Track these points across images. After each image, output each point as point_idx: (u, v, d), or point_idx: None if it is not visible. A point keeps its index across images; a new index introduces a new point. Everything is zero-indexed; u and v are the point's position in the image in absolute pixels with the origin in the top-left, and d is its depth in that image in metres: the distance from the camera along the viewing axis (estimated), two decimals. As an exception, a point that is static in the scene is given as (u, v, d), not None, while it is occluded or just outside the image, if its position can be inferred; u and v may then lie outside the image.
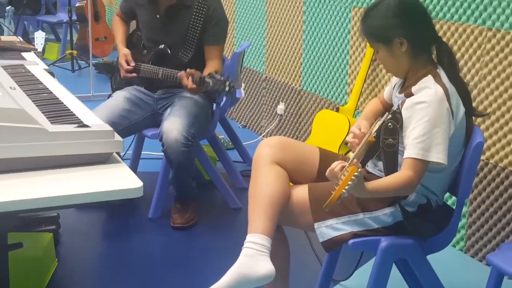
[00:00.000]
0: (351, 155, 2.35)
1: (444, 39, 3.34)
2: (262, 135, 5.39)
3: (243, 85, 4.98)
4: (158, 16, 3.77)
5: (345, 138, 3.81)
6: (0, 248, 2.14)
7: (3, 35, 5.35)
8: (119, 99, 3.74)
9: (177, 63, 3.70)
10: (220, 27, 3.78)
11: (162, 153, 3.55)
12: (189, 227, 3.66)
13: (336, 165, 2.20)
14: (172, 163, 3.50)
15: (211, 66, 3.65)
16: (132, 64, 3.77)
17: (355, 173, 2.07)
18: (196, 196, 3.81)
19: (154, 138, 3.73)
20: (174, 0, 3.71)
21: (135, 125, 3.74)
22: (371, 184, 2.25)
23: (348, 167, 2.12)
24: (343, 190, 2.07)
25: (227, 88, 3.33)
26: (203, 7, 3.69)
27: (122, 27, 4.03)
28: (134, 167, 4.18)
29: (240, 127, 5.74)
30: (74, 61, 7.66)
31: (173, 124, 3.46)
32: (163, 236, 3.69)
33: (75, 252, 3.43)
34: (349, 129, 3.91)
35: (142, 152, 4.30)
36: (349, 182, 2.07)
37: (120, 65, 3.81)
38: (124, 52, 3.83)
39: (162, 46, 3.76)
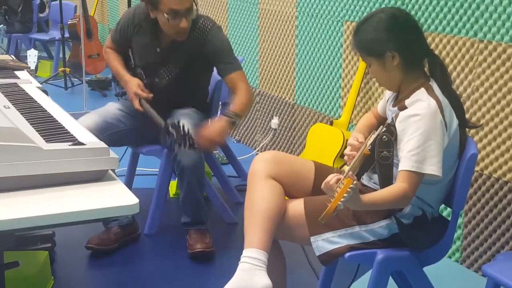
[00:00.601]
0: (346, 168, 2.36)
1: (436, 52, 3.37)
2: (257, 149, 5.39)
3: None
4: (158, 50, 3.66)
5: (339, 152, 3.82)
6: (-4, 267, 2.13)
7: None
8: (115, 105, 3.73)
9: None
10: (231, 55, 3.67)
11: (156, 169, 3.52)
12: (210, 253, 3.54)
13: (331, 178, 2.21)
14: (184, 173, 3.42)
15: (240, 96, 3.53)
16: (150, 94, 3.60)
17: (351, 185, 2.08)
18: (207, 221, 3.68)
19: (150, 154, 3.72)
20: (184, 36, 3.57)
21: (130, 132, 3.66)
22: (367, 197, 2.26)
23: (343, 179, 2.12)
24: (339, 203, 2.08)
25: (185, 146, 3.10)
26: (202, 39, 3.59)
27: (118, 57, 3.84)
28: (129, 184, 4.17)
29: (235, 142, 5.75)
30: (67, 78, 7.66)
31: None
32: (159, 252, 3.68)
33: (71, 270, 3.42)
34: (343, 142, 3.92)
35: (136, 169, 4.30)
36: (345, 194, 2.08)
37: (136, 95, 3.58)
38: (137, 81, 3.64)
39: (157, 79, 3.68)
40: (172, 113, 3.66)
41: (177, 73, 3.67)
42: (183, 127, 3.10)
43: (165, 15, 3.43)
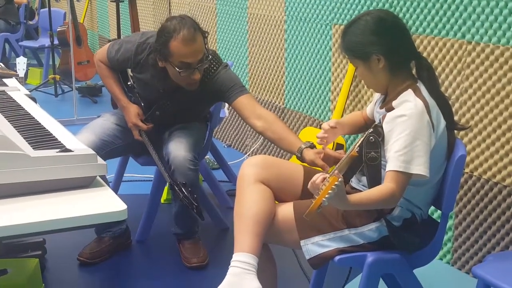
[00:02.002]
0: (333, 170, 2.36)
1: (425, 54, 3.38)
2: (247, 154, 5.39)
3: (226, 105, 4.98)
4: (161, 90, 3.49)
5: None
6: (-15, 275, 2.12)
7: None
8: (111, 118, 3.60)
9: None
10: (238, 81, 3.44)
11: (144, 175, 3.47)
12: (206, 266, 3.51)
13: (317, 177, 2.21)
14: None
15: (263, 120, 3.26)
16: (150, 125, 3.52)
17: (336, 183, 2.09)
18: (198, 231, 3.65)
19: (146, 165, 3.69)
20: (195, 87, 3.37)
21: (127, 146, 3.59)
22: (354, 197, 2.26)
23: (329, 177, 2.13)
24: (323, 199, 2.08)
25: (192, 210, 3.09)
26: (210, 81, 3.42)
27: (114, 76, 3.65)
28: (115, 190, 4.14)
29: (225, 146, 5.75)
30: (57, 85, 7.65)
31: (179, 144, 3.37)
32: (151, 259, 3.67)
33: (62, 277, 3.40)
34: (333, 146, 3.93)
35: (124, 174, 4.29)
36: (329, 191, 2.08)
37: (135, 125, 3.49)
38: (136, 111, 3.52)
39: (157, 113, 3.55)
40: (172, 128, 3.57)
41: (181, 108, 3.55)
42: (189, 191, 3.07)
43: (176, 67, 3.25)
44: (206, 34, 3.31)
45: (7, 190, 1.90)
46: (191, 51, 3.22)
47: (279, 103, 5.00)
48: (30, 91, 3.46)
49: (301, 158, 2.93)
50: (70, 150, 2.05)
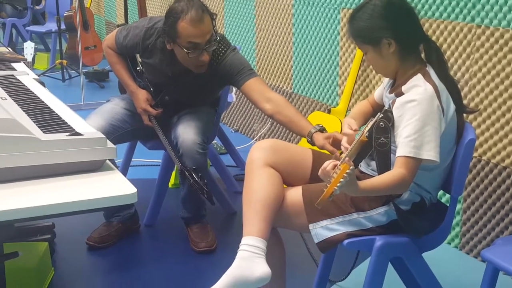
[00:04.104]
0: (343, 155, 2.36)
1: (434, 38, 3.37)
2: (255, 139, 5.39)
3: (234, 89, 4.98)
4: (170, 74, 3.48)
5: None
6: (-4, 258, 2.14)
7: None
8: (120, 103, 3.60)
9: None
10: (247, 64, 3.42)
11: (152, 160, 3.48)
12: (214, 250, 3.52)
13: (328, 164, 2.20)
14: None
15: (273, 103, 3.26)
16: (159, 110, 3.52)
17: (347, 171, 2.08)
18: (206, 213, 3.67)
19: (154, 149, 3.69)
20: (204, 69, 3.37)
21: (135, 130, 3.59)
22: (364, 183, 2.25)
23: (340, 165, 2.12)
24: (335, 187, 2.08)
25: (202, 195, 3.10)
26: (219, 65, 3.41)
27: (122, 62, 3.64)
28: (123, 175, 4.13)
29: (233, 131, 5.75)
30: (65, 70, 7.65)
31: (188, 128, 3.37)
32: (159, 243, 3.69)
33: (71, 261, 3.42)
34: (341, 130, 3.91)
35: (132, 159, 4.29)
36: (341, 180, 2.07)
37: (145, 111, 3.50)
38: (145, 96, 3.53)
39: (167, 97, 3.55)
40: (181, 113, 3.57)
41: (190, 93, 3.55)
42: (199, 176, 3.09)
43: (184, 49, 3.24)
44: (214, 16, 3.31)
45: (17, 173, 1.91)
46: (199, 32, 3.21)
47: (287, 87, 4.99)
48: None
49: (311, 142, 2.93)
50: (80, 134, 2.05)
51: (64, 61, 7.64)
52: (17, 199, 1.80)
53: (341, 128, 3.89)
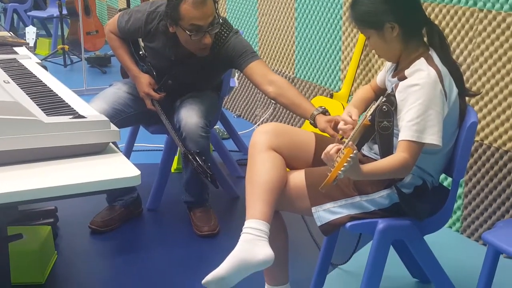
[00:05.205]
0: (344, 140, 2.36)
1: (436, 22, 3.36)
2: (257, 124, 5.39)
3: (236, 74, 4.98)
4: (173, 58, 3.47)
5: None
6: (0, 240, 2.14)
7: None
8: (123, 88, 3.60)
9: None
10: (250, 47, 3.41)
11: (155, 145, 3.47)
12: (217, 234, 3.53)
13: (331, 148, 2.21)
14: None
15: (275, 85, 3.26)
16: (162, 94, 3.51)
17: (351, 155, 2.08)
18: (209, 197, 3.70)
19: (156, 133, 3.70)
20: (206, 52, 3.36)
21: (138, 114, 3.58)
22: (367, 167, 2.26)
23: (343, 149, 2.12)
24: (339, 172, 2.08)
25: (205, 178, 3.12)
26: (222, 48, 3.40)
27: (124, 46, 3.63)
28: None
29: (235, 116, 5.75)
30: (66, 55, 7.65)
31: (191, 111, 3.37)
32: (162, 227, 3.70)
33: (73, 245, 3.44)
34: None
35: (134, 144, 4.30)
36: (345, 164, 2.08)
37: (148, 95, 3.49)
38: (147, 80, 3.52)
39: (170, 82, 3.55)
40: (184, 96, 3.56)
41: (193, 76, 3.55)
42: (203, 159, 3.10)
43: (187, 31, 3.24)
44: None
45: (21, 156, 1.91)
46: (202, 14, 3.21)
47: (289, 72, 4.99)
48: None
49: (314, 124, 2.94)
50: (83, 117, 2.05)
51: (66, 47, 7.63)
52: (21, 181, 1.81)
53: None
